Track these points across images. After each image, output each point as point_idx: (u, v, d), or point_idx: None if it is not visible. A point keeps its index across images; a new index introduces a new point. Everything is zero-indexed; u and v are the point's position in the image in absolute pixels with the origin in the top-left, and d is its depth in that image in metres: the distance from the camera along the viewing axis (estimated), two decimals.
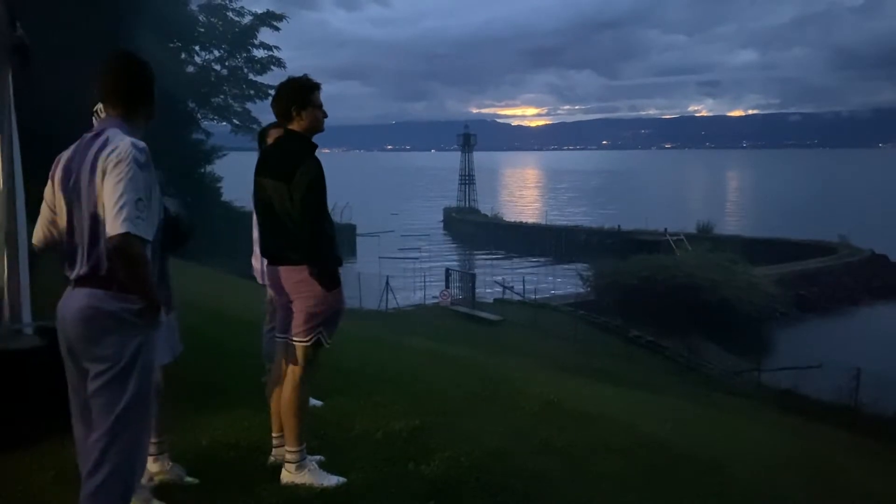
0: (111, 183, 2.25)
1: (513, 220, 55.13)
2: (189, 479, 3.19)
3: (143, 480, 2.76)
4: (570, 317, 21.72)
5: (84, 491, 2.29)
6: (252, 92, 33.14)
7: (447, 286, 22.58)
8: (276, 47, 33.32)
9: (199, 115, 31.17)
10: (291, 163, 3.13)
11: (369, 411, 4.44)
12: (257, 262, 4.06)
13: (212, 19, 31.87)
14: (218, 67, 33.16)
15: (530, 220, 54.55)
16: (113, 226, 2.21)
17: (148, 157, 2.34)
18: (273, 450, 3.46)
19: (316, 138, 3.31)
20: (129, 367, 2.31)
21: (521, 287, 25.43)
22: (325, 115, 3.30)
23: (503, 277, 27.96)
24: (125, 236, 2.21)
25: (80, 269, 2.34)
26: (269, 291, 3.64)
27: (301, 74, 3.33)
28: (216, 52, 32.95)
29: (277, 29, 33.15)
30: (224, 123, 33.71)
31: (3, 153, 3.72)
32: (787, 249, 34.90)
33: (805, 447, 6.84)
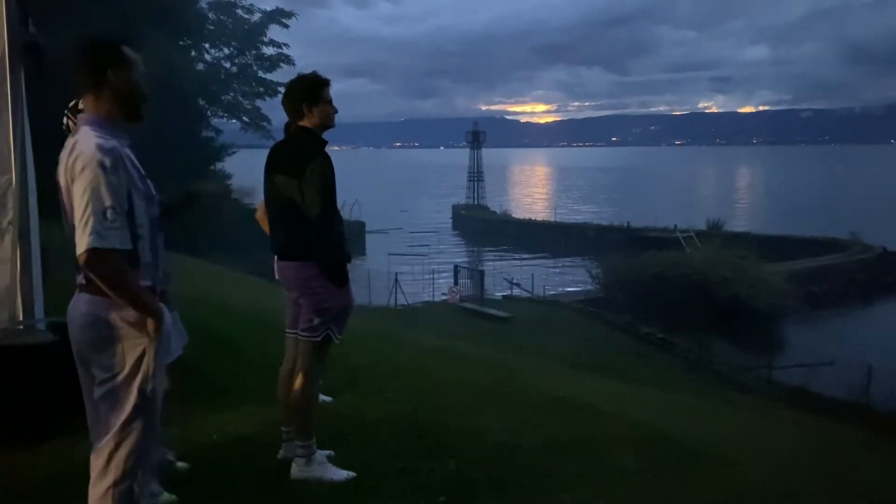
0: (77, 194, 2.12)
1: (522, 216, 55.02)
2: (181, 463, 3.19)
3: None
4: (579, 314, 21.67)
5: (91, 496, 2.27)
6: (262, 89, 33.25)
7: (456, 283, 22.55)
8: (286, 45, 33.45)
9: (208, 113, 31.29)
10: (302, 159, 3.14)
11: (379, 407, 4.45)
12: None
13: (221, 17, 31.97)
14: (227, 65, 33.28)
15: (539, 217, 54.43)
16: (80, 242, 2.10)
17: (115, 158, 2.16)
18: (282, 444, 3.48)
19: (325, 135, 3.32)
20: (132, 375, 2.25)
21: (531, 284, 25.38)
22: (336, 111, 3.32)
23: (510, 272, 27.94)
24: (92, 252, 2.08)
25: (80, 275, 2.27)
26: None
27: (310, 71, 3.34)
28: (226, 50, 33.08)
29: (287, 26, 33.24)
30: (234, 121, 33.85)
31: (15, 151, 3.75)
32: (798, 246, 34.66)
33: (817, 444, 6.80)
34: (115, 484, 2.24)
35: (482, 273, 22.88)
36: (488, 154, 64.65)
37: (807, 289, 26.68)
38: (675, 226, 37.61)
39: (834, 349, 18.01)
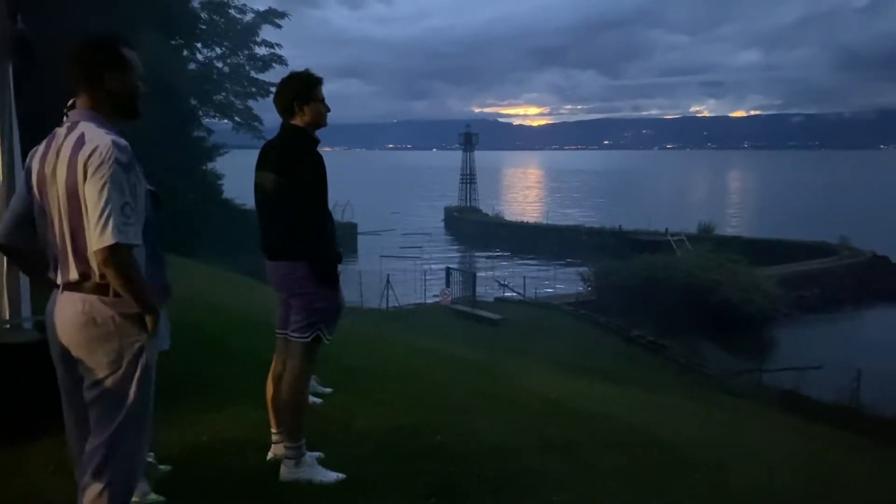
0: (94, 189, 2.10)
1: (514, 219, 55.11)
2: (162, 466, 3.17)
3: None
4: (571, 316, 21.70)
5: (84, 498, 2.22)
6: (254, 89, 33.19)
7: (448, 285, 22.57)
8: (278, 45, 33.42)
9: (200, 113, 31.18)
10: (293, 158, 3.11)
11: (370, 408, 4.43)
12: None
13: (214, 16, 31.88)
14: (220, 65, 33.21)
15: (531, 220, 54.52)
16: (100, 238, 2.07)
17: (131, 156, 2.18)
18: (272, 446, 3.45)
19: (317, 135, 3.29)
20: (127, 375, 2.22)
21: (522, 286, 25.41)
22: (328, 110, 3.29)
23: (501, 275, 27.96)
24: (114, 248, 2.07)
25: (69, 274, 2.21)
26: None
27: (303, 69, 3.31)
28: (218, 50, 33.01)
29: (279, 26, 33.21)
30: (225, 121, 33.77)
31: (2, 147, 3.71)
32: (789, 250, 34.85)
33: (806, 447, 6.82)
34: (111, 484, 2.21)
35: (474, 275, 22.90)
36: (481, 156, 64.72)
37: (797, 293, 26.84)
38: (667, 229, 37.75)
39: (824, 353, 18.12)
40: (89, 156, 2.12)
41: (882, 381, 13.19)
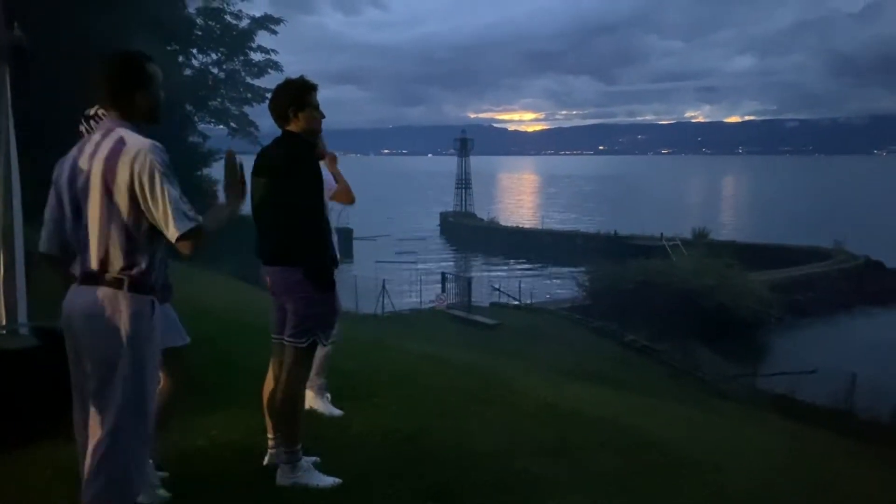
0: (150, 187, 2.25)
1: (509, 224, 55.19)
2: (160, 473, 3.16)
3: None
4: (566, 321, 21.72)
5: (87, 494, 2.24)
6: (249, 95, 33.13)
7: (443, 290, 22.57)
8: (274, 51, 33.35)
9: (196, 118, 31.13)
10: (288, 163, 3.13)
11: (366, 413, 4.43)
12: None
13: (209, 22, 31.85)
14: (215, 70, 33.15)
15: (527, 225, 54.64)
16: (178, 226, 2.25)
17: (166, 157, 2.34)
18: (269, 451, 3.45)
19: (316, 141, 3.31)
20: (131, 370, 2.27)
21: (518, 291, 25.43)
22: (323, 116, 3.30)
23: (497, 280, 27.98)
24: (196, 230, 2.28)
25: (88, 265, 2.31)
26: None
27: (298, 75, 3.33)
28: (214, 56, 32.94)
29: (275, 32, 33.17)
30: (221, 127, 33.67)
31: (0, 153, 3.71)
32: (783, 255, 35.01)
33: (801, 451, 6.84)
34: (114, 478, 2.24)
35: (469, 280, 22.91)
36: (476, 162, 64.89)
37: (791, 297, 26.92)
38: (662, 234, 37.89)
39: (818, 357, 18.16)
40: (135, 157, 2.27)
41: (876, 386, 13.22)
